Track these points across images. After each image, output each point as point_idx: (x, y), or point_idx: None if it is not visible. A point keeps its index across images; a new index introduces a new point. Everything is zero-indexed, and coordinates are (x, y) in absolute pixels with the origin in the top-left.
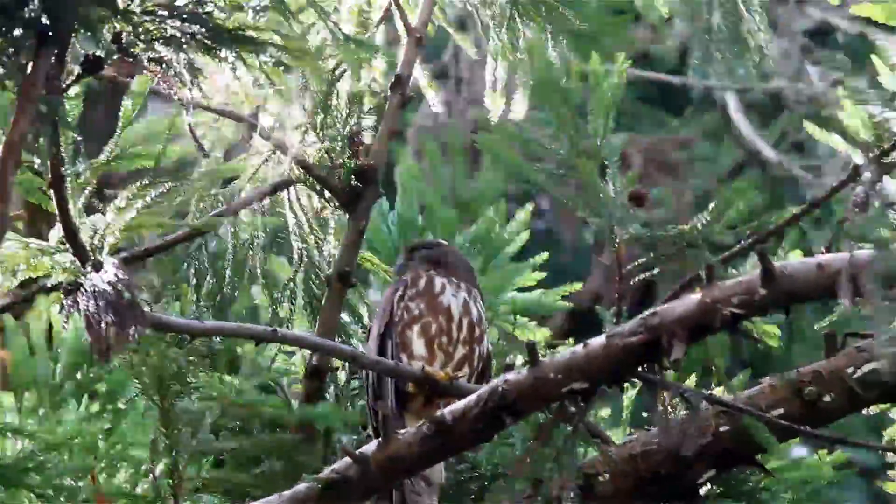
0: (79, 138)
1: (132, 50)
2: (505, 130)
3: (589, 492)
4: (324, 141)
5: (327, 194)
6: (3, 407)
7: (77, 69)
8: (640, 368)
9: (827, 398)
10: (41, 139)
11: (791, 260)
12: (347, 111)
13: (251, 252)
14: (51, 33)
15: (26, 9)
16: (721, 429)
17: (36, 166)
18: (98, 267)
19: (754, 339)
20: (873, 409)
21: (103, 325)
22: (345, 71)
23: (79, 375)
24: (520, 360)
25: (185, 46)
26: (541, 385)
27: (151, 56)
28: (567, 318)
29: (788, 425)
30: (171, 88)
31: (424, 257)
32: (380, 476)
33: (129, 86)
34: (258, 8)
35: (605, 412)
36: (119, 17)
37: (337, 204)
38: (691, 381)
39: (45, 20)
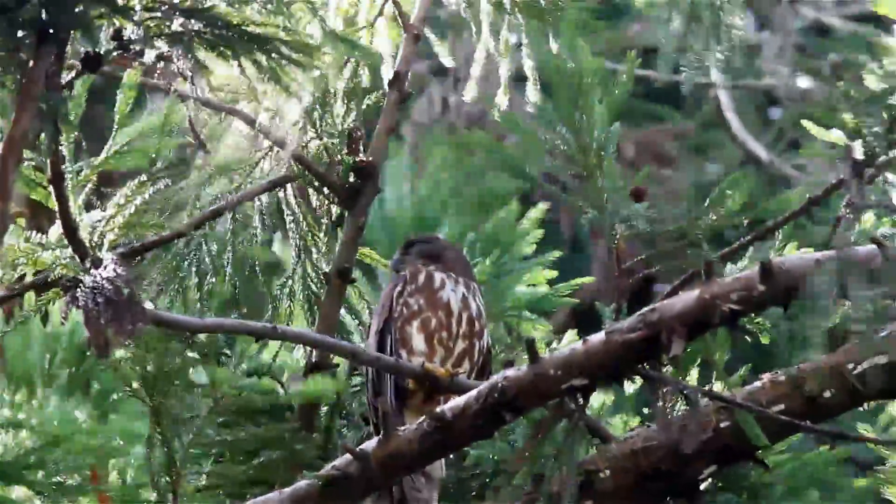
0: (77, 135)
1: (133, 47)
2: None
3: (589, 488)
4: (322, 137)
5: (326, 191)
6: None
7: (77, 66)
8: (639, 365)
9: (827, 394)
10: (41, 136)
11: (789, 256)
12: (345, 108)
13: (250, 249)
14: (51, 31)
15: (26, 6)
16: (721, 424)
17: (36, 163)
18: (97, 263)
19: (752, 335)
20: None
21: (102, 320)
22: (342, 67)
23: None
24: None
25: (187, 43)
26: (540, 381)
27: (153, 53)
28: (569, 314)
29: (790, 420)
30: (171, 84)
31: (421, 252)
32: (380, 473)
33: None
34: (262, 3)
35: (608, 399)
36: (118, 13)
37: (336, 200)
38: (692, 375)
39: (44, 17)
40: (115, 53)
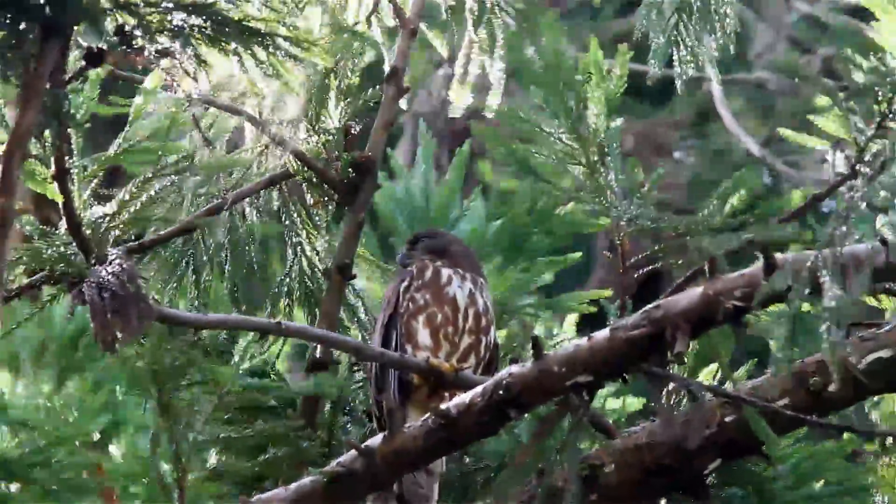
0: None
1: (136, 42)
2: (504, 117)
3: (594, 482)
4: (320, 133)
5: (325, 187)
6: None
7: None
8: (643, 361)
9: (831, 388)
10: (46, 132)
11: (792, 253)
12: (343, 103)
13: (248, 246)
14: (55, 26)
15: (31, 1)
16: (726, 419)
17: (42, 158)
18: (102, 259)
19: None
20: None
21: (108, 316)
22: (339, 61)
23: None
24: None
25: (189, 38)
26: (545, 378)
27: (156, 48)
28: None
29: (794, 415)
30: (176, 80)
31: (428, 248)
32: (385, 469)
33: (127, 78)
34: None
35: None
36: (121, 9)
37: (335, 197)
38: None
39: (49, 12)
40: (117, 49)
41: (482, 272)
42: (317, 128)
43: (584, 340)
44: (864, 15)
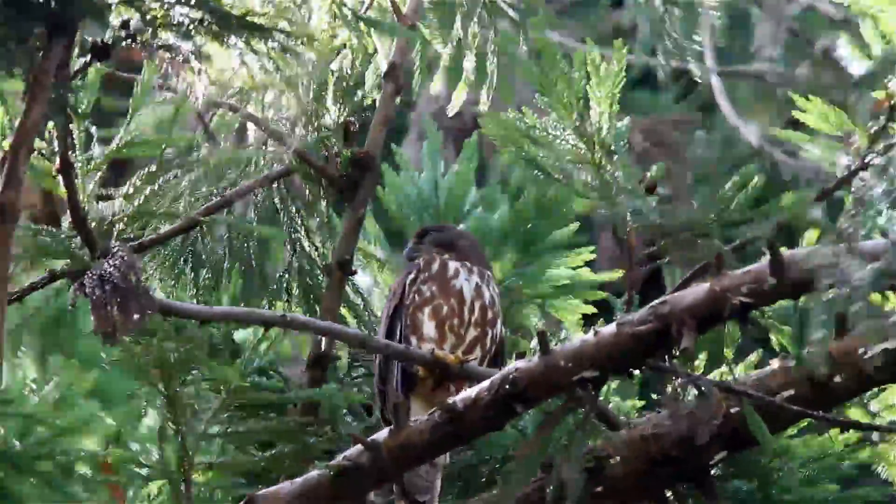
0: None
1: (140, 37)
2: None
3: (600, 474)
4: (319, 130)
5: (324, 184)
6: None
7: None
8: (650, 357)
9: (837, 379)
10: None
11: (799, 249)
12: (341, 99)
13: (247, 244)
14: (62, 21)
15: None
16: (731, 410)
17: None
18: (106, 252)
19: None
20: None
21: (109, 308)
22: (338, 55)
23: None
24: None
25: (192, 33)
26: (551, 373)
27: (159, 43)
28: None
29: (801, 410)
30: (179, 75)
31: (435, 241)
32: (391, 463)
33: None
34: None
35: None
36: (126, 3)
37: (335, 193)
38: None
39: (55, 7)
40: (122, 43)
41: (489, 266)
42: (316, 124)
43: (590, 335)
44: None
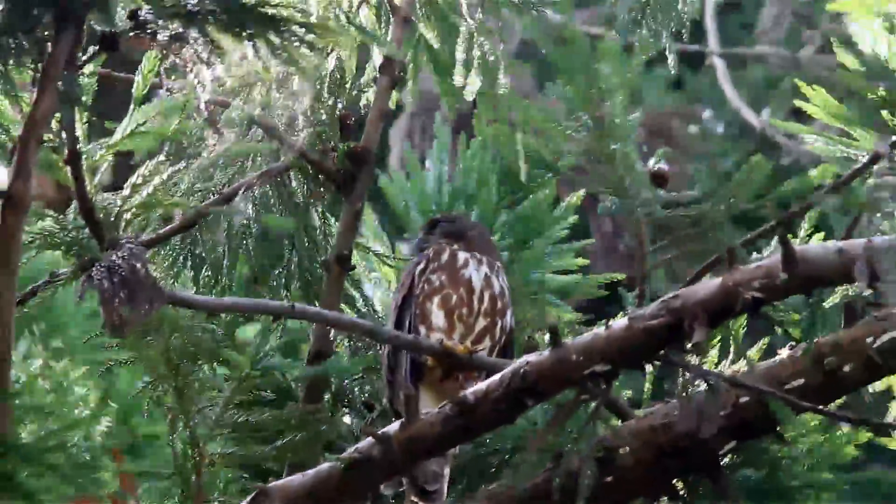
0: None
1: (148, 27)
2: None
3: (610, 464)
4: (315, 124)
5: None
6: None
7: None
8: (661, 351)
9: (847, 368)
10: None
11: (811, 244)
12: (337, 93)
13: (245, 240)
14: (69, 12)
15: None
16: (741, 400)
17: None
18: (114, 244)
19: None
20: None
21: (117, 300)
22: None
23: None
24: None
25: (203, 23)
26: (563, 367)
27: (169, 33)
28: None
29: (812, 407)
30: (187, 66)
31: (445, 232)
32: (402, 456)
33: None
34: None
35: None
36: None
37: (332, 188)
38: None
39: None
40: (131, 34)
41: (500, 256)
42: (312, 119)
43: (601, 329)
44: None
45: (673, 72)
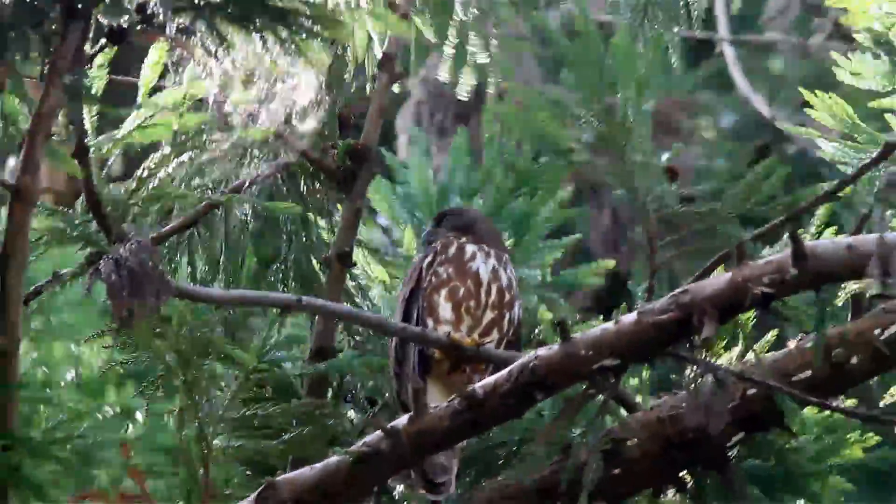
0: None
1: (156, 20)
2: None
3: (617, 456)
4: (316, 121)
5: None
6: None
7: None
8: (670, 346)
9: (854, 360)
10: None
11: (821, 240)
12: (336, 90)
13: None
14: (78, 5)
15: None
16: (748, 392)
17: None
18: (122, 237)
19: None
20: None
21: (125, 293)
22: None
23: None
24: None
25: (211, 16)
26: (572, 361)
27: (177, 26)
28: (590, 294)
29: (820, 402)
30: (195, 58)
31: (452, 225)
32: (411, 449)
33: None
34: None
35: None
36: None
37: (333, 185)
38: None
39: None
40: (138, 27)
41: (507, 249)
42: (313, 115)
43: (610, 324)
44: None
45: (674, 65)
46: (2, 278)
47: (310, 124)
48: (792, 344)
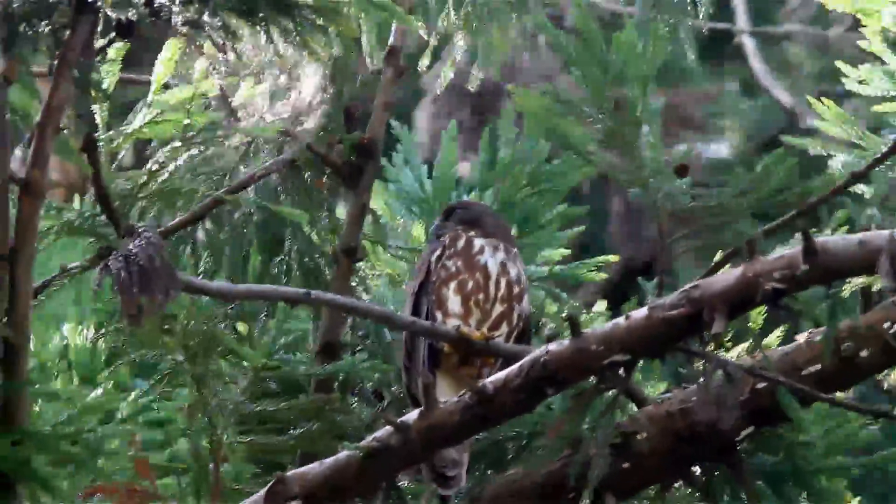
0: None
1: (164, 13)
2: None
3: (626, 450)
4: (322, 116)
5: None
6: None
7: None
8: (680, 341)
9: (864, 353)
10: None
11: (832, 236)
12: (342, 84)
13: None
14: None
15: None
16: (758, 386)
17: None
18: (130, 232)
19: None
20: None
21: (134, 289)
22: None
23: None
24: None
25: (217, 9)
26: (582, 356)
27: (183, 19)
28: (598, 289)
29: (830, 398)
30: (203, 52)
31: (461, 219)
32: (420, 444)
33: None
34: None
35: None
36: None
37: (338, 180)
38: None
39: None
40: (147, 20)
41: (515, 243)
42: (318, 110)
43: (621, 319)
44: None
45: (692, 60)
46: (11, 272)
47: (315, 118)
48: (801, 338)
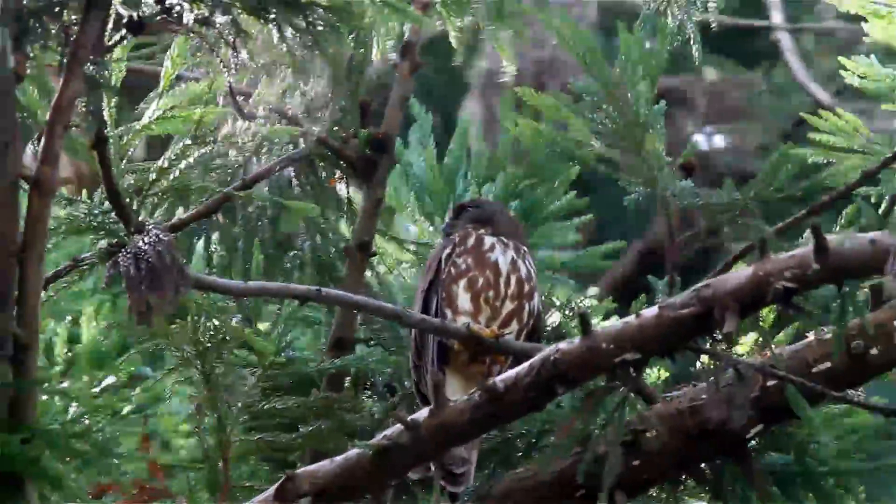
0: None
1: (174, 10)
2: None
3: (636, 448)
4: (335, 111)
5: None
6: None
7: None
8: (691, 340)
9: (874, 351)
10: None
11: (843, 234)
12: (357, 78)
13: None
14: None
15: None
16: (768, 383)
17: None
18: (140, 229)
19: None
20: None
21: (143, 287)
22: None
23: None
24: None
25: (229, 7)
26: (593, 355)
27: (195, 17)
28: (608, 285)
29: (842, 396)
30: (213, 50)
31: (471, 217)
32: (431, 443)
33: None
34: None
35: None
36: None
37: (353, 175)
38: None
39: None
40: (157, 18)
41: (527, 241)
42: (332, 106)
43: (632, 318)
44: None
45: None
46: (20, 269)
47: (329, 113)
48: (811, 335)
